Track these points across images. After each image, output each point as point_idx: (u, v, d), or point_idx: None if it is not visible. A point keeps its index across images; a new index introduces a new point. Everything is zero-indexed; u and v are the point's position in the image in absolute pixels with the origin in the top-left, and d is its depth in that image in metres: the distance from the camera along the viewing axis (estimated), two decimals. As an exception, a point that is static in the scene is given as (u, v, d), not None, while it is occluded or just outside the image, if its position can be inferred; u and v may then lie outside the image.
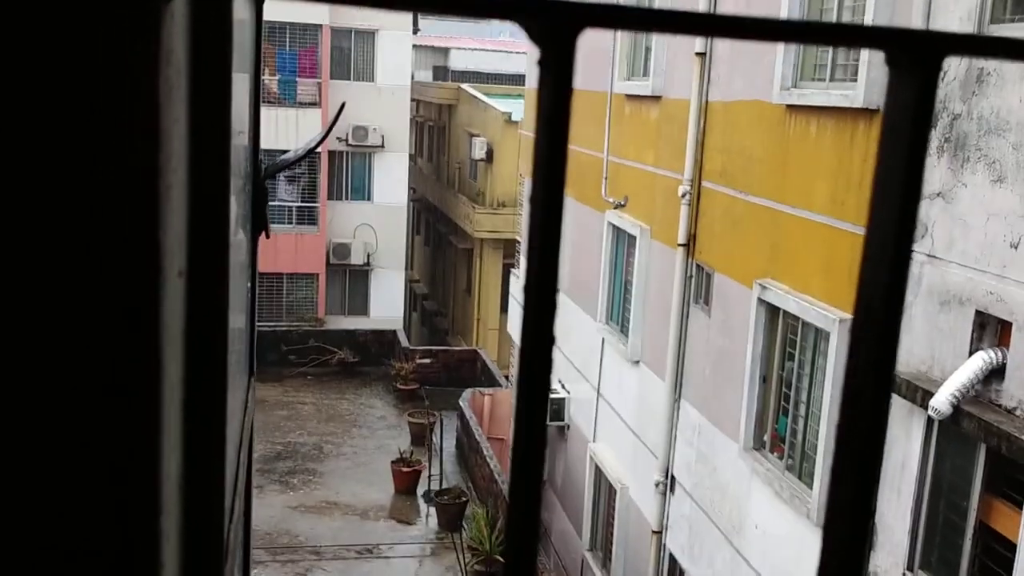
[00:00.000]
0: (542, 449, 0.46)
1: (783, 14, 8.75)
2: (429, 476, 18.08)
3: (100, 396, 0.50)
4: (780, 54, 8.81)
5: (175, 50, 0.55)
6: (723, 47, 10.19)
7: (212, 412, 0.76)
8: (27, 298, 0.48)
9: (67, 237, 0.47)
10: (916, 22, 6.98)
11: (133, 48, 0.45)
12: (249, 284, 1.72)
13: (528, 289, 0.43)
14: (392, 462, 18.38)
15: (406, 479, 18.14)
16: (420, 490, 18.21)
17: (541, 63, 0.40)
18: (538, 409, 0.47)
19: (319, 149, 25.86)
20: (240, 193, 1.42)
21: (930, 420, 6.69)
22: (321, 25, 25.95)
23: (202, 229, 0.69)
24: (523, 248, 18.17)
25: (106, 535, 0.51)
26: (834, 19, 8.30)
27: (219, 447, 0.78)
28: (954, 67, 6.64)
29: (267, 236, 1.75)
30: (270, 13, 26.58)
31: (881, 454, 0.50)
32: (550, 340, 0.45)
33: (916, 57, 0.45)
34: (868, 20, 7.53)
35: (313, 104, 26.05)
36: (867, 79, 7.51)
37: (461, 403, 19.82)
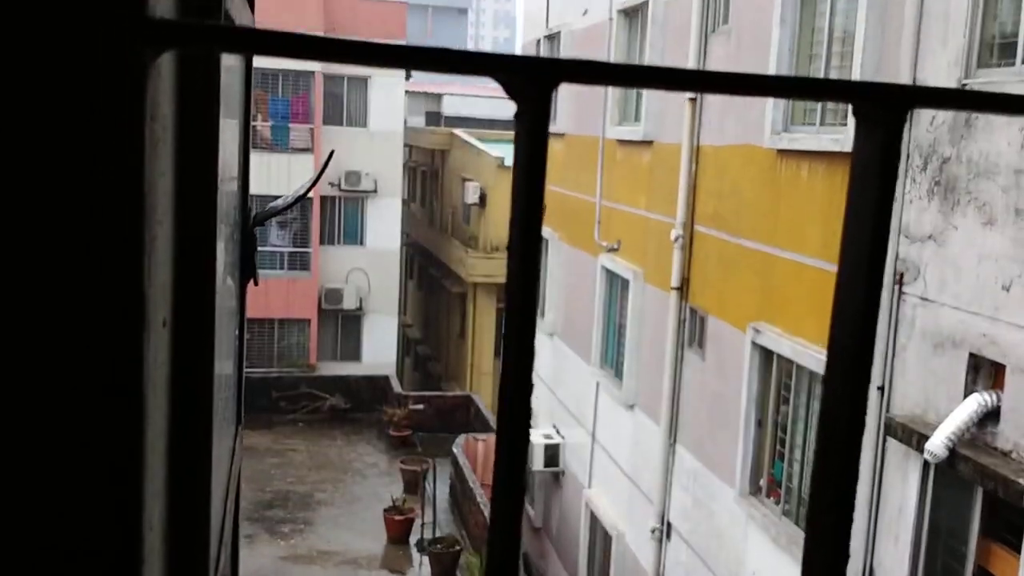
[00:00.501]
0: (522, 492, 0.45)
1: (772, 58, 8.86)
2: (422, 524, 17.89)
3: (82, 444, 0.49)
4: (770, 99, 8.90)
5: (161, 105, 0.54)
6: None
7: (197, 462, 0.74)
8: (8, 345, 0.47)
9: (51, 287, 0.46)
10: (904, 66, 7.06)
11: (118, 104, 0.45)
12: (237, 332, 1.70)
13: (507, 339, 0.42)
14: (384, 510, 18.19)
15: (399, 528, 17.94)
16: (413, 539, 18.00)
17: (517, 116, 0.40)
18: (518, 460, 0.46)
19: (311, 194, 25.95)
20: (229, 240, 1.41)
21: (926, 464, 6.65)
22: (314, 72, 26.19)
23: (188, 279, 0.68)
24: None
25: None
26: (823, 63, 8.40)
27: (204, 497, 0.76)
28: (942, 111, 6.71)
29: (255, 283, 1.74)
30: (262, 60, 26.91)
31: (856, 476, 0.49)
32: (528, 385, 0.44)
33: (881, 110, 0.46)
34: (856, 64, 7.62)
35: (306, 150, 26.19)
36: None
37: (454, 449, 19.68)
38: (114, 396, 0.48)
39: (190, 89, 0.65)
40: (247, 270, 1.66)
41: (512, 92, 0.42)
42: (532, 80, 0.42)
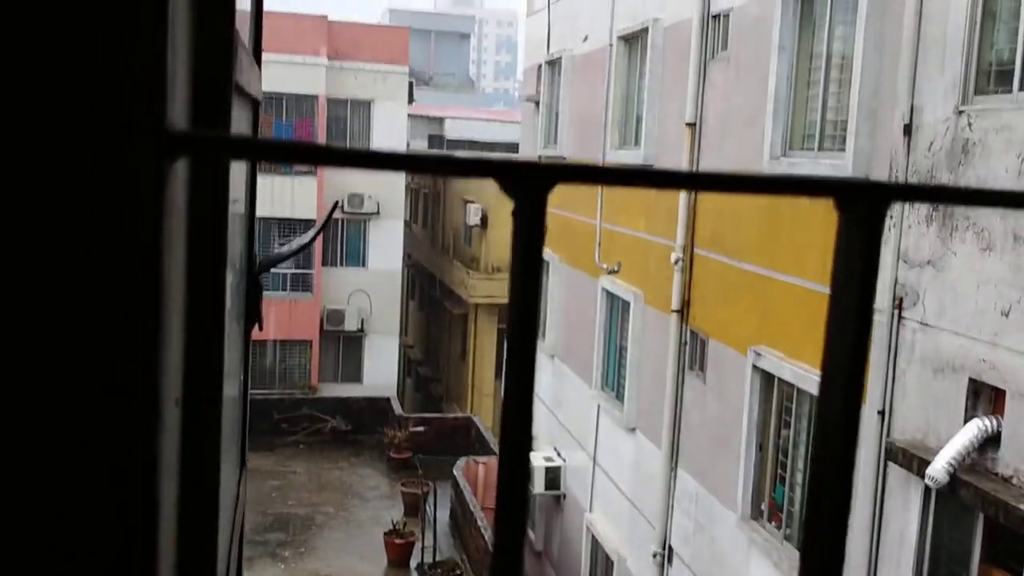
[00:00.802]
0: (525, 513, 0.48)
1: (771, 84, 8.92)
2: (423, 548, 17.81)
3: (96, 523, 0.51)
4: (769, 123, 8.96)
5: (176, 202, 0.57)
6: (713, 116, 10.36)
7: (204, 537, 0.76)
8: (23, 433, 0.49)
9: (73, 377, 0.48)
10: (902, 92, 7.11)
11: (137, 209, 0.48)
12: (242, 377, 1.73)
13: (503, 433, 0.45)
14: (385, 533, 18.12)
15: (399, 551, 17.86)
16: (413, 562, 17.92)
17: (514, 214, 0.44)
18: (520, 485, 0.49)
19: (313, 216, 26.03)
20: (235, 289, 1.44)
21: (927, 489, 6.65)
22: (317, 96, 26.33)
23: (198, 358, 0.71)
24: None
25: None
26: (821, 88, 8.45)
27: (210, 569, 0.78)
28: (939, 137, 6.76)
29: (260, 329, 1.77)
30: (267, 84, 26.93)
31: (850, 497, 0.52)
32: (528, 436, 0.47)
33: (862, 205, 0.48)
34: (855, 90, 7.68)
35: (309, 173, 26.29)
36: (855, 149, 7.63)
37: (455, 472, 19.63)
38: (128, 482, 0.51)
39: (202, 190, 0.68)
40: (252, 317, 1.69)
41: (510, 192, 0.45)
42: (529, 183, 0.45)
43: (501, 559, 0.49)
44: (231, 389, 1.43)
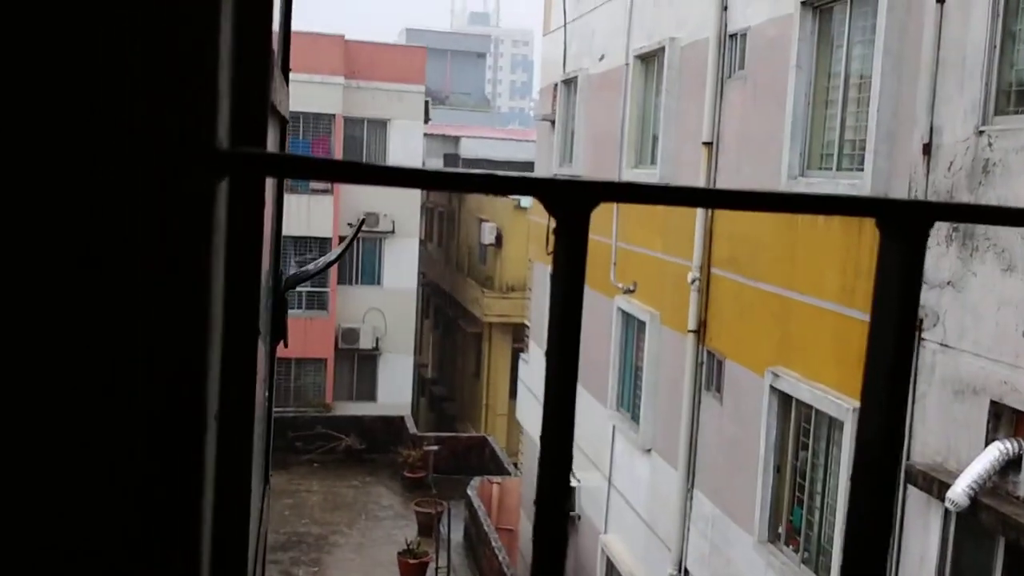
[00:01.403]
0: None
1: (788, 104, 8.90)
2: (436, 568, 17.74)
3: (145, 539, 0.51)
4: (786, 142, 8.94)
5: (220, 219, 0.57)
6: (730, 136, 10.35)
7: (236, 551, 0.75)
8: (75, 443, 0.49)
9: (126, 392, 0.48)
10: (920, 113, 7.09)
11: (189, 227, 0.48)
12: (267, 393, 1.72)
13: (544, 442, 0.44)
14: (399, 553, 18.06)
15: (413, 571, 17.79)
16: (427, 582, 17.84)
17: (557, 232, 0.43)
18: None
19: (330, 234, 26.13)
20: (263, 307, 1.44)
21: (947, 512, 6.57)
22: (334, 115, 26.48)
23: (233, 374, 0.70)
24: (531, 335, 17.99)
25: None
26: (839, 108, 8.43)
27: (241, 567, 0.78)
28: (959, 156, 6.72)
29: (285, 346, 1.76)
30: (284, 103, 27.05)
31: (891, 529, 0.50)
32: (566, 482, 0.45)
33: (904, 224, 0.48)
34: (873, 109, 7.65)
35: (325, 192, 26.42)
36: (874, 168, 7.60)
37: (469, 492, 19.56)
38: (175, 495, 0.51)
39: (241, 193, 0.68)
40: (278, 332, 1.69)
41: (553, 210, 0.45)
42: (572, 200, 0.44)
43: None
44: (258, 407, 1.42)
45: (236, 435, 0.73)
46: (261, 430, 1.64)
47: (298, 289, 26.85)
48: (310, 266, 2.65)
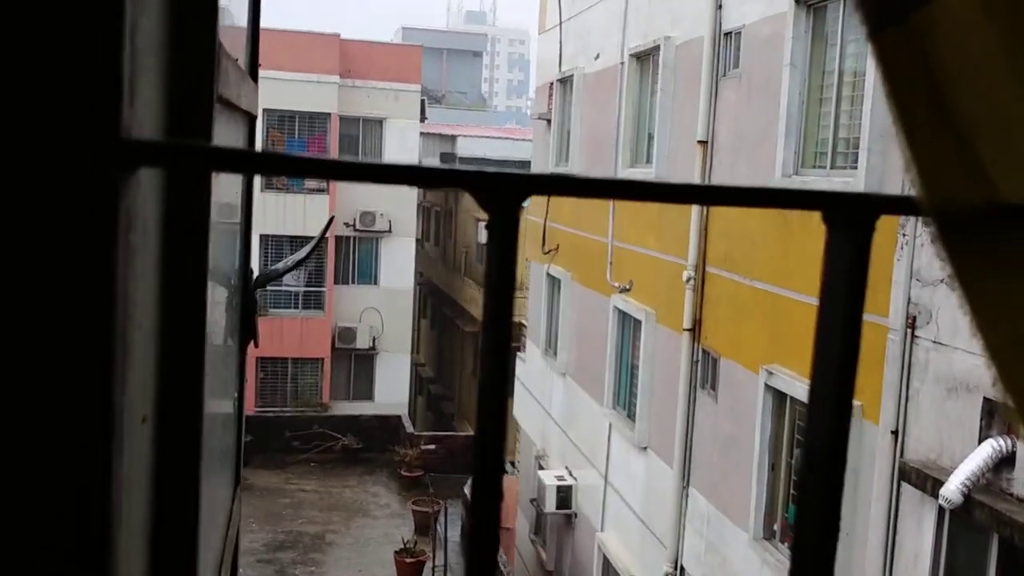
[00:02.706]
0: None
1: (783, 102, 8.91)
2: (433, 567, 17.75)
3: (52, 544, 0.50)
4: (781, 141, 8.94)
5: (141, 215, 0.56)
6: (725, 134, 10.35)
7: (181, 553, 0.75)
8: None
9: (24, 392, 0.47)
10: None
11: (89, 223, 0.47)
12: (236, 394, 1.72)
13: (479, 434, 0.44)
14: (395, 552, 18.07)
15: (410, 570, 17.80)
16: (424, 580, 17.85)
17: (488, 226, 0.43)
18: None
19: (327, 235, 26.09)
20: (229, 305, 1.43)
21: (941, 510, 6.58)
22: (330, 114, 26.47)
23: (173, 375, 0.69)
24: (528, 334, 17.99)
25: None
26: (833, 106, 8.44)
27: None
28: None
29: (256, 346, 1.76)
30: (280, 102, 26.91)
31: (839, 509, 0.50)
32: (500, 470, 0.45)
33: (850, 218, 0.47)
34: (867, 107, 7.66)
35: (321, 191, 26.40)
36: (867, 166, 7.60)
37: (466, 491, 19.55)
38: (82, 497, 0.49)
39: (180, 188, 0.66)
40: (247, 333, 1.68)
41: (483, 204, 0.44)
42: (502, 193, 0.44)
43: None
44: (222, 406, 1.41)
45: (180, 436, 0.72)
46: (230, 432, 1.63)
47: (294, 289, 26.84)
48: (279, 265, 2.64)
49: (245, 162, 0.41)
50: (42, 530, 0.49)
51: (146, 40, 0.56)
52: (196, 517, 0.79)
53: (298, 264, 2.68)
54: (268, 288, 26.15)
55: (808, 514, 0.51)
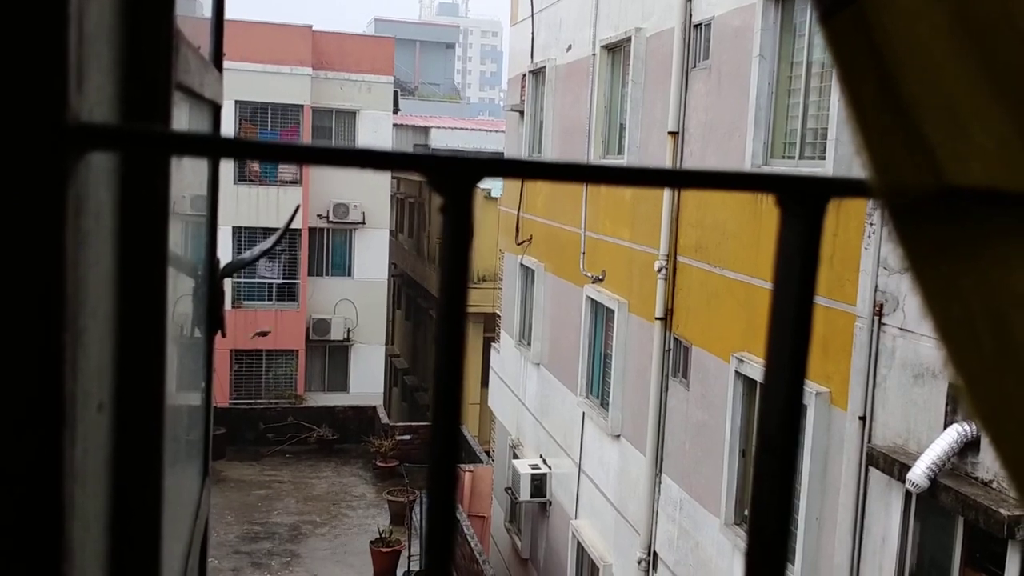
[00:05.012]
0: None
1: (752, 93, 8.97)
2: (409, 556, 17.77)
3: None
4: (750, 131, 9.01)
5: (93, 198, 0.57)
6: (695, 125, 10.41)
7: (144, 544, 0.76)
8: None
9: None
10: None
11: (36, 210, 0.47)
12: (204, 384, 1.73)
13: (433, 435, 0.46)
14: (371, 542, 18.07)
15: (385, 560, 17.81)
16: (400, 571, 17.87)
17: (441, 210, 0.44)
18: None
19: (299, 226, 25.98)
20: (196, 293, 1.44)
21: (908, 494, 6.68)
22: (303, 105, 26.31)
23: (132, 363, 0.70)
24: (502, 325, 17.94)
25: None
26: (802, 96, 8.51)
27: None
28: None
29: (223, 335, 1.77)
30: (252, 94, 26.66)
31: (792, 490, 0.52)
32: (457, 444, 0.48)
33: (803, 200, 0.48)
34: (834, 98, 7.74)
35: (294, 182, 26.25)
36: (835, 156, 7.68)
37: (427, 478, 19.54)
38: (34, 490, 0.50)
39: (134, 185, 0.67)
40: (214, 322, 1.69)
41: (437, 187, 0.46)
42: (455, 177, 0.45)
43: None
44: (189, 396, 1.42)
45: (140, 424, 0.73)
46: (197, 422, 1.65)
47: (268, 281, 26.69)
48: (246, 254, 2.64)
49: (193, 145, 0.43)
50: None
51: (96, 24, 0.57)
52: (159, 507, 0.79)
53: (265, 253, 2.69)
54: (242, 281, 26.00)
55: (763, 493, 0.52)
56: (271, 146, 0.44)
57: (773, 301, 0.53)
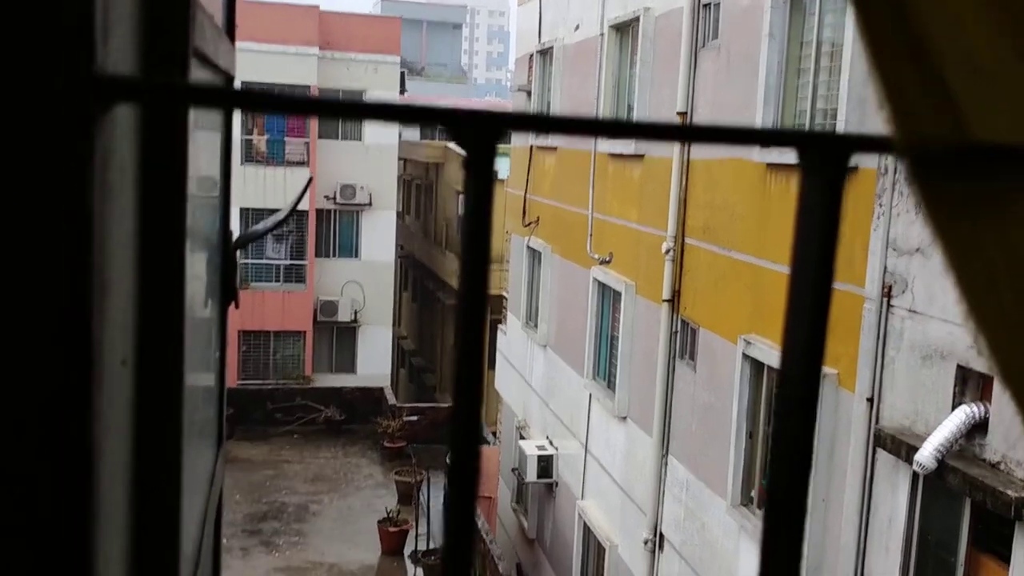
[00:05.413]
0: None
1: (761, 72, 8.92)
2: (416, 536, 17.87)
3: (29, 486, 0.50)
4: (759, 111, 8.96)
5: (118, 152, 0.57)
6: (704, 105, 10.36)
7: (165, 498, 0.77)
8: None
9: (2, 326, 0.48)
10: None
11: (65, 161, 0.47)
12: (218, 353, 1.74)
13: (457, 378, 0.46)
14: (379, 522, 18.17)
15: (393, 539, 17.91)
16: (407, 550, 17.97)
17: (465, 165, 0.44)
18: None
19: (307, 208, 25.99)
20: (209, 263, 1.45)
21: (915, 475, 6.69)
22: (309, 86, 26.26)
23: (152, 318, 0.70)
24: (508, 307, 17.99)
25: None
26: (811, 76, 8.46)
27: (172, 536, 0.77)
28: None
29: (236, 306, 1.78)
30: (259, 75, 26.63)
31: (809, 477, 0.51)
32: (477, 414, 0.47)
33: (824, 158, 0.48)
34: (844, 78, 7.69)
35: (301, 163, 26.24)
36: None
37: (448, 461, 19.64)
38: (61, 437, 0.50)
39: (153, 131, 0.68)
40: (228, 293, 1.70)
41: (460, 142, 0.46)
42: (479, 130, 0.45)
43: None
44: (205, 365, 1.43)
45: (160, 383, 0.74)
46: (212, 391, 1.65)
47: (275, 262, 26.74)
48: (259, 225, 2.65)
49: (218, 98, 0.43)
50: (21, 465, 0.49)
51: None
52: (178, 461, 0.80)
53: (278, 224, 2.70)
54: (250, 262, 26.04)
55: (781, 454, 0.51)
56: (293, 99, 0.44)
57: (794, 261, 0.52)
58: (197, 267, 1.21)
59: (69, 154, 0.47)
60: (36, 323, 0.49)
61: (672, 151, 10.76)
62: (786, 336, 0.55)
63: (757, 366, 9.08)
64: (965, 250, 0.48)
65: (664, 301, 10.90)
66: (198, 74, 0.99)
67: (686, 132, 0.53)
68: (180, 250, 0.77)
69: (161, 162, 0.69)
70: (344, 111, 0.45)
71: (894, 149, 0.48)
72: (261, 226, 2.63)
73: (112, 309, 0.59)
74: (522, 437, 16.35)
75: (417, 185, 33.54)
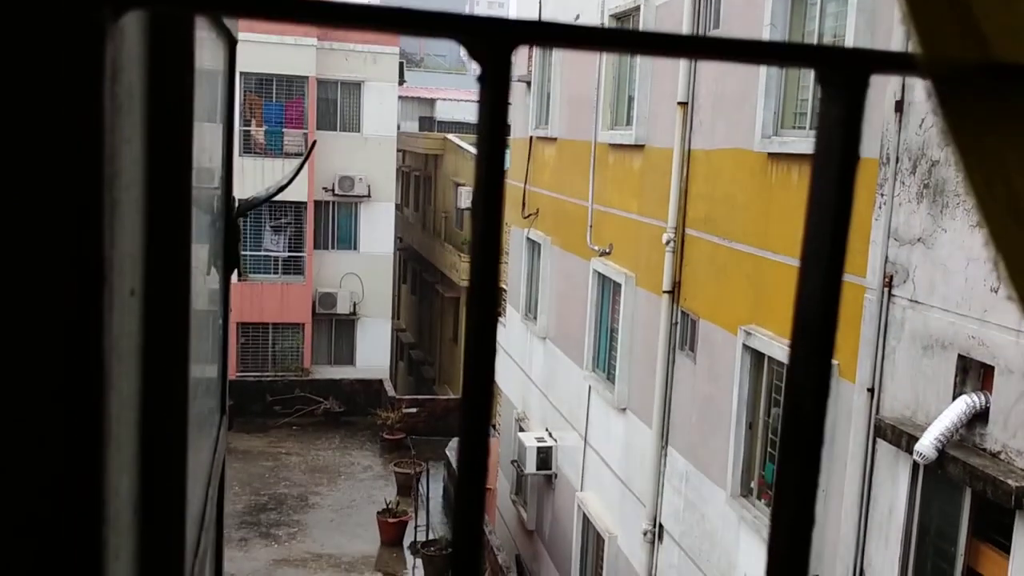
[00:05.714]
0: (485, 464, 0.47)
1: (761, 77, 8.89)
2: (416, 527, 17.88)
3: (40, 408, 0.50)
4: (760, 102, 8.94)
5: (127, 69, 0.55)
6: (705, 95, 10.34)
7: (171, 425, 0.76)
8: None
9: (12, 243, 0.47)
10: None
11: (74, 66, 0.46)
12: (221, 320, 1.72)
13: (470, 304, 0.44)
14: (378, 513, 18.18)
15: (392, 530, 17.93)
16: (407, 541, 17.99)
17: (480, 78, 0.42)
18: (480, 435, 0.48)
19: (305, 199, 25.95)
20: (211, 228, 1.43)
21: (916, 465, 6.68)
22: (308, 77, 26.20)
23: (159, 249, 0.69)
24: (508, 299, 17.99)
25: (46, 541, 0.50)
26: (812, 73, 8.43)
27: (179, 466, 0.77)
28: (931, 114, 6.75)
29: (240, 276, 1.77)
30: (257, 65, 26.58)
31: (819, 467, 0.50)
32: (492, 344, 0.45)
33: (844, 74, 0.46)
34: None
35: (299, 154, 26.18)
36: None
37: (448, 452, 19.69)
38: (73, 359, 0.49)
39: (160, 55, 0.66)
40: (231, 260, 1.69)
41: (473, 54, 0.44)
42: (492, 40, 0.43)
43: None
44: (209, 329, 1.42)
45: (168, 314, 0.72)
46: (216, 357, 1.64)
47: (274, 254, 26.71)
48: (260, 192, 2.64)
49: (228, 3, 0.41)
50: (34, 385, 0.49)
51: None
52: (185, 392, 0.79)
53: (280, 189, 2.69)
54: (248, 254, 26.02)
55: (791, 431, 0.50)
56: (307, 4, 0.42)
57: (812, 185, 0.50)
58: (201, 232, 1.20)
59: (80, 61, 0.46)
60: (46, 235, 0.47)
61: (673, 141, 10.74)
62: (804, 256, 0.53)
63: (757, 357, 9.08)
64: (987, 171, 0.48)
65: (664, 292, 10.89)
66: (203, 36, 0.97)
67: (705, 45, 0.51)
68: (187, 179, 0.75)
69: (170, 82, 0.68)
70: (351, 18, 0.43)
71: (917, 66, 0.47)
72: (263, 192, 2.62)
73: (122, 232, 0.57)
74: (521, 429, 16.35)
75: (416, 177, 33.51)
